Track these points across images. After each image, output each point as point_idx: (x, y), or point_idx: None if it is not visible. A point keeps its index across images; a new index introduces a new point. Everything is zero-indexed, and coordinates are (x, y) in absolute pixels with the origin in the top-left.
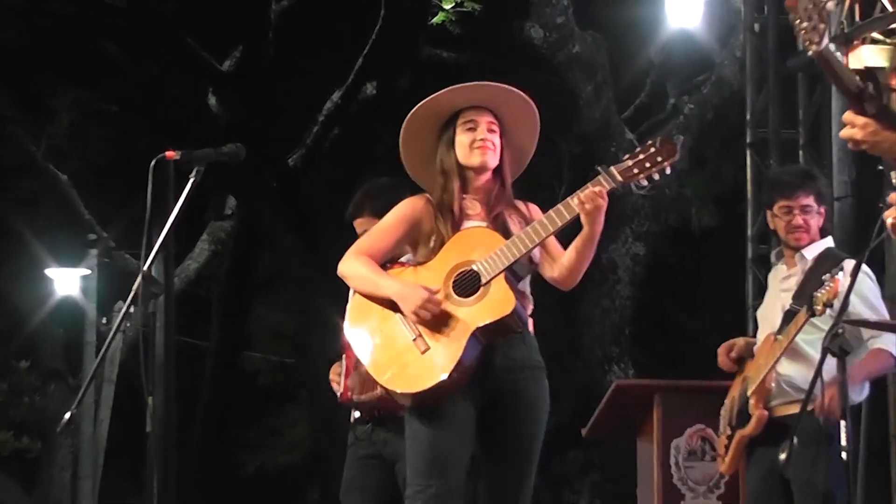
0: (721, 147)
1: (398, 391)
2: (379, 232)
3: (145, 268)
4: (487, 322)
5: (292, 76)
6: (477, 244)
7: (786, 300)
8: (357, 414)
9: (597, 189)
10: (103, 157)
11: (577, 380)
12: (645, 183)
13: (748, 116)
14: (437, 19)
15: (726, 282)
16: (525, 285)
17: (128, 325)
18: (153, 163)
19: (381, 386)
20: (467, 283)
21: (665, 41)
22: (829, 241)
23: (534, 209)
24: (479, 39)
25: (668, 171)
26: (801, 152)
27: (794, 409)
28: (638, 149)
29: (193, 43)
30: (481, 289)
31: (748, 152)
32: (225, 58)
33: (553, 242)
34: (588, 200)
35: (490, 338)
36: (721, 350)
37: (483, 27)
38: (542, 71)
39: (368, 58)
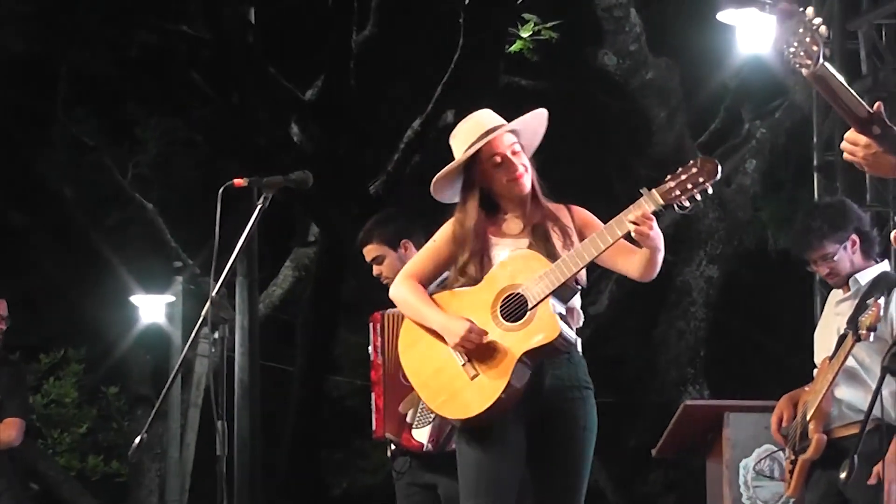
0: (796, 171)
1: (450, 417)
2: (426, 253)
3: (213, 293)
4: (533, 348)
5: (373, 105)
6: (525, 267)
7: (840, 323)
8: (393, 447)
9: (639, 213)
10: (189, 186)
11: (654, 401)
12: (687, 204)
13: (815, 140)
14: (514, 47)
15: (800, 304)
16: (575, 301)
17: (213, 350)
18: (221, 190)
19: (433, 411)
20: (514, 308)
21: (739, 67)
22: (884, 266)
23: (577, 212)
24: (555, 67)
25: (709, 190)
26: (867, 176)
27: (854, 430)
28: (679, 169)
29: (277, 73)
30: (528, 313)
31: (815, 176)
32: (308, 87)
33: (621, 242)
34: (638, 222)
35: (537, 360)
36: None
37: (559, 55)
38: (616, 97)
39: (448, 86)
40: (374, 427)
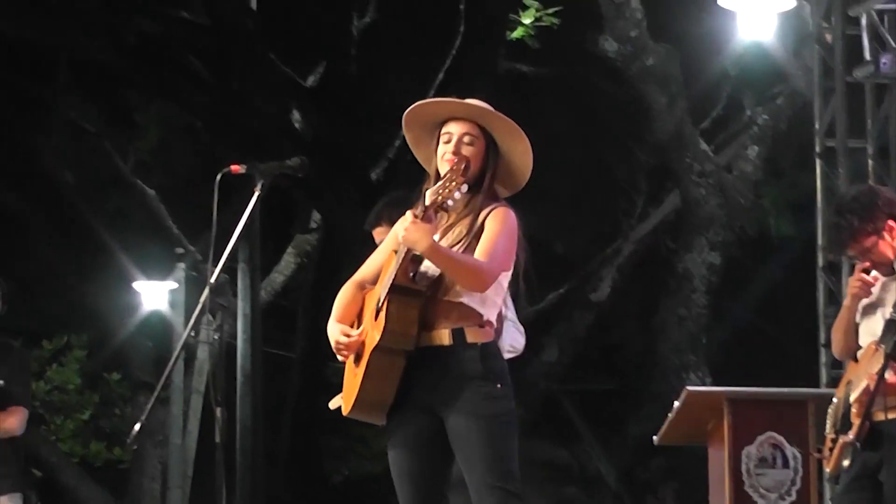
0: (797, 157)
1: (344, 414)
2: (374, 253)
3: (212, 280)
4: (376, 345)
5: (374, 91)
6: (389, 262)
7: (886, 308)
8: None
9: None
10: (189, 172)
11: (655, 388)
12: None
13: (816, 126)
14: (516, 34)
15: (802, 290)
16: (479, 301)
17: (216, 336)
18: (219, 177)
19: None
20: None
21: (740, 53)
22: None
23: (490, 216)
24: (555, 53)
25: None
26: (869, 161)
27: (893, 414)
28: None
29: (277, 59)
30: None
31: (817, 162)
32: (308, 73)
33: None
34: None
35: (397, 355)
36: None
37: (559, 40)
38: (616, 83)
39: (448, 72)
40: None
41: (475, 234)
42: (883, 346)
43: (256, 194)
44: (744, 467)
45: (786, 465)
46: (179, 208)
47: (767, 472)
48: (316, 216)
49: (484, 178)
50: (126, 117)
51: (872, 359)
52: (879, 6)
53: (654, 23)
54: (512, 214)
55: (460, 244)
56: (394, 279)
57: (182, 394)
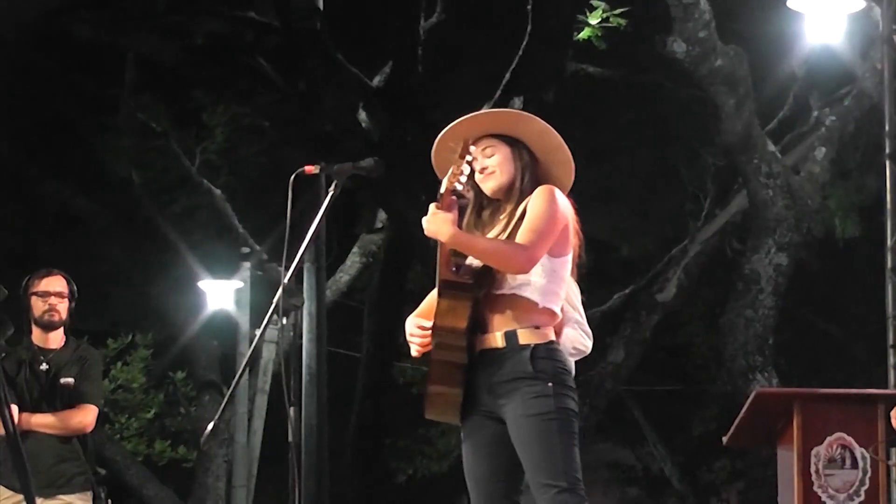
0: (864, 158)
1: None
2: None
3: (285, 280)
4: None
5: (441, 91)
6: None
7: None
8: None
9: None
10: (256, 172)
11: (721, 390)
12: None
13: (886, 128)
14: (583, 35)
15: (870, 291)
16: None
17: (280, 336)
18: (293, 177)
19: None
20: None
21: (808, 54)
22: None
23: (531, 198)
24: (623, 54)
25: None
26: None
27: None
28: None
29: (344, 59)
30: None
31: (887, 163)
32: (375, 74)
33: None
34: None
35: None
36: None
37: (627, 42)
38: (684, 84)
39: (515, 73)
40: None
41: (517, 221)
42: None
43: (331, 194)
44: (813, 468)
45: (854, 465)
46: (245, 208)
47: (836, 473)
48: (381, 216)
49: (520, 181)
50: (193, 117)
51: None
52: None
53: (722, 24)
54: (554, 192)
55: (502, 232)
56: (438, 275)
57: (247, 393)
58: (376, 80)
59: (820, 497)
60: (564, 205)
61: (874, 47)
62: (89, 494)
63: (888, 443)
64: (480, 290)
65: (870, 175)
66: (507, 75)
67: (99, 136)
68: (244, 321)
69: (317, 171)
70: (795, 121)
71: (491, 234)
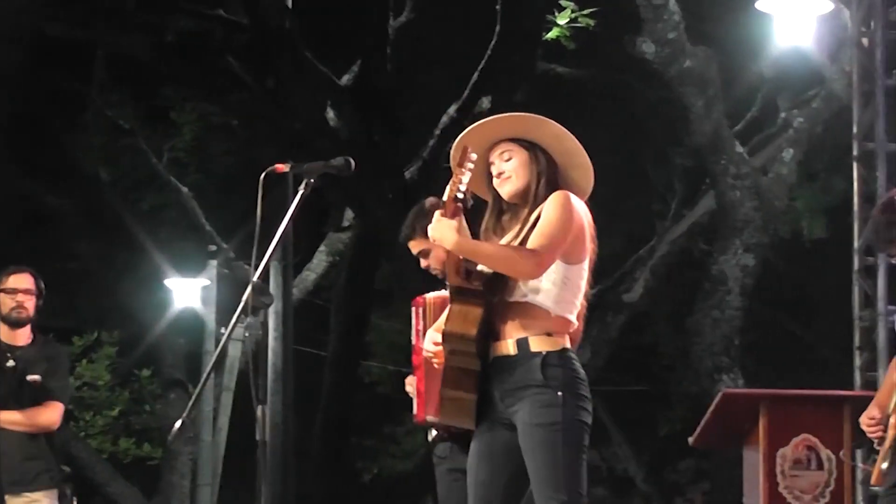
0: (831, 160)
1: None
2: None
3: (254, 278)
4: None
5: (410, 90)
6: None
7: None
8: (434, 432)
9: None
10: (224, 170)
11: (687, 390)
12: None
13: (855, 130)
14: (551, 34)
15: (836, 293)
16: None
17: (247, 334)
18: (262, 175)
19: None
20: None
21: (777, 56)
22: None
23: (545, 203)
24: (592, 54)
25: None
26: None
27: None
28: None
29: (313, 57)
30: None
31: (855, 165)
32: (344, 72)
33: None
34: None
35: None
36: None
37: (596, 42)
38: (654, 85)
39: (484, 72)
40: (414, 411)
41: (531, 226)
42: None
43: (301, 193)
44: (778, 469)
45: (820, 466)
46: (213, 206)
47: (802, 474)
48: (349, 214)
49: (535, 185)
50: (162, 115)
51: None
52: None
53: (691, 26)
54: (568, 198)
55: (515, 238)
56: (448, 281)
57: (213, 391)
58: (345, 79)
59: (785, 498)
60: (579, 211)
61: (843, 49)
62: (55, 492)
63: (854, 445)
64: (493, 296)
65: (837, 177)
66: (476, 75)
67: (68, 134)
68: (210, 319)
69: (287, 169)
70: (764, 122)
71: (505, 239)
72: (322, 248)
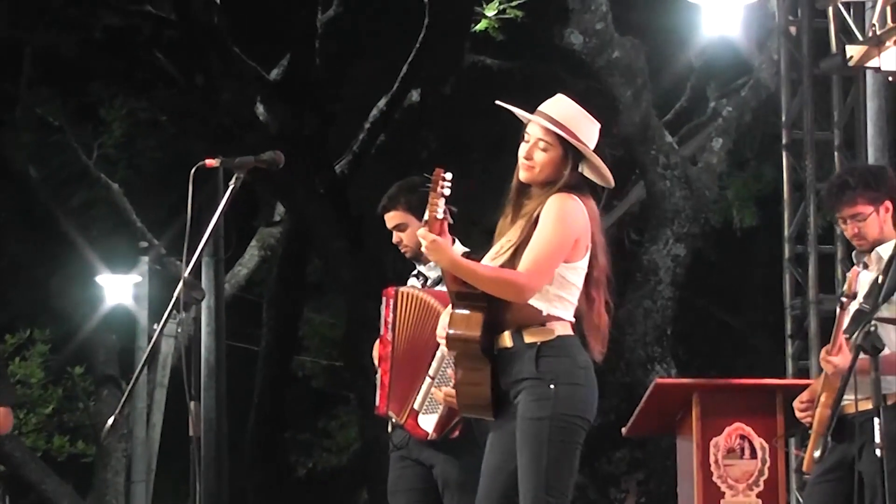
0: (761, 149)
1: None
2: None
3: (186, 273)
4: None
5: (339, 84)
6: None
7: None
8: (394, 421)
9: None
10: (154, 166)
11: (620, 380)
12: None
13: (783, 118)
14: (479, 26)
15: (767, 281)
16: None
17: (179, 330)
18: (193, 171)
19: None
20: None
21: (705, 46)
22: None
23: (542, 211)
24: (520, 46)
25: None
26: (836, 153)
27: (866, 405)
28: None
29: (241, 52)
30: None
31: (784, 154)
32: (273, 67)
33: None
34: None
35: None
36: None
37: (524, 34)
38: (582, 76)
39: (413, 65)
40: (377, 403)
41: (531, 228)
42: (850, 336)
43: (231, 187)
44: (712, 458)
45: (753, 455)
46: (144, 202)
47: (736, 463)
48: (279, 209)
49: (551, 186)
50: (91, 112)
51: (846, 352)
52: None
53: (619, 16)
54: (565, 202)
55: (516, 242)
56: (448, 289)
57: (146, 388)
58: (274, 74)
59: (719, 487)
60: (576, 218)
61: (770, 38)
62: None
63: (787, 433)
64: (493, 298)
65: (767, 165)
66: (405, 67)
67: None
68: (143, 316)
69: (217, 164)
70: (693, 112)
71: (509, 234)
72: (253, 242)
